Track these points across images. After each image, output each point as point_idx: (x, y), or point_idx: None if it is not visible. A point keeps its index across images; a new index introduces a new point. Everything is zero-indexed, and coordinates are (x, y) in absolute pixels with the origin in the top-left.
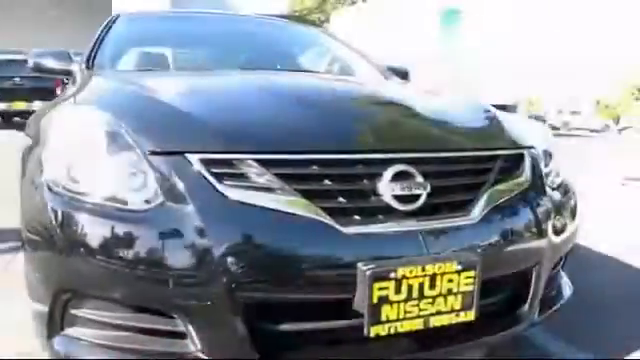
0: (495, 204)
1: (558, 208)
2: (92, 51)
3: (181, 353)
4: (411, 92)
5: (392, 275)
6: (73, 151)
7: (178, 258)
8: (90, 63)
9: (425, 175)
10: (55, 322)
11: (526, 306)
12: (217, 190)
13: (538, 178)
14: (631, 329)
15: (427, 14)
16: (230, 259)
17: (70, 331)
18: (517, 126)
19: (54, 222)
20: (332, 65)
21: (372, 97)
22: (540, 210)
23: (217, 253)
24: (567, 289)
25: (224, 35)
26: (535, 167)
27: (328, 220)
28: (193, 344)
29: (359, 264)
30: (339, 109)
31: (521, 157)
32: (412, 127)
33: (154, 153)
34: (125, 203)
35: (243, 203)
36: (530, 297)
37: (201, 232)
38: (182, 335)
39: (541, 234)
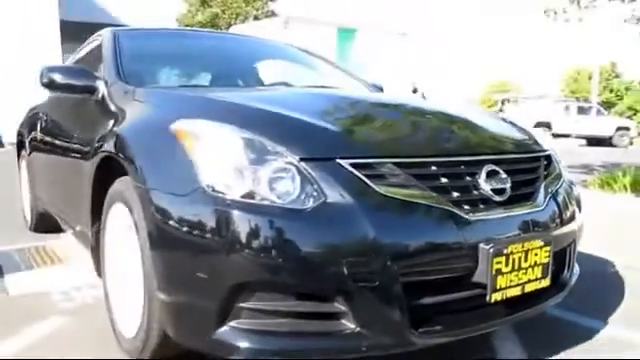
0: (550, 194)
1: (577, 195)
2: (117, 66)
3: (338, 331)
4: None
5: (504, 251)
6: (228, 161)
7: (348, 248)
8: (124, 78)
9: (506, 173)
10: (218, 316)
11: (567, 274)
12: (371, 188)
13: (561, 173)
14: None
15: (327, 31)
16: (391, 245)
17: (233, 323)
18: (535, 132)
19: (223, 225)
20: (330, 80)
21: (441, 111)
22: (571, 197)
23: (380, 241)
24: (576, 266)
25: (234, 53)
26: (557, 164)
27: (457, 210)
28: (352, 322)
29: (480, 244)
30: (428, 121)
31: (550, 157)
32: (485, 135)
33: (305, 159)
34: (286, 203)
35: (394, 198)
36: (568, 267)
37: (365, 224)
38: (339, 315)
39: (576, 216)
